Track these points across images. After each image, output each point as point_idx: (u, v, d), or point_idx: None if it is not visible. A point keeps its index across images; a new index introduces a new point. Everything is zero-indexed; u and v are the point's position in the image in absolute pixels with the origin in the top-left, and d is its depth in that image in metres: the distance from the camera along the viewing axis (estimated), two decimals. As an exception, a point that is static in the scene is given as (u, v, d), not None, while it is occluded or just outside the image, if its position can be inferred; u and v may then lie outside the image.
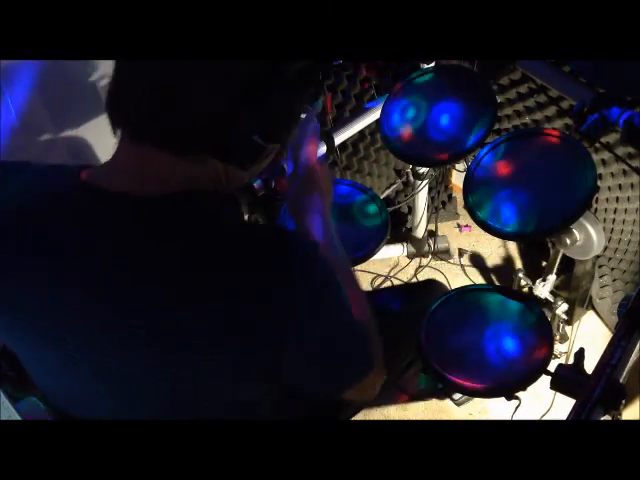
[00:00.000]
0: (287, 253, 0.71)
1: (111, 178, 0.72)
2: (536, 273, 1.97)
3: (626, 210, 1.80)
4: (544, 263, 2.17)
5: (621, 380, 0.91)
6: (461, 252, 2.34)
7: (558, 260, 1.76)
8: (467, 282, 2.23)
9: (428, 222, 2.18)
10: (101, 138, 1.54)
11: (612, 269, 1.97)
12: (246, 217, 1.31)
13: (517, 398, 1.13)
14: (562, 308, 1.79)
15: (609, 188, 1.81)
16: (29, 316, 0.73)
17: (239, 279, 0.67)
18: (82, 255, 0.69)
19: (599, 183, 1.77)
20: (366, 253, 1.33)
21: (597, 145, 1.57)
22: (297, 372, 0.74)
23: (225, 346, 0.67)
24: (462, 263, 2.30)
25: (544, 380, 1.09)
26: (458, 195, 2.45)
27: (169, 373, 0.70)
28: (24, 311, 0.73)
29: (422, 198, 2.08)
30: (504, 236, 1.24)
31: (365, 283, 2.32)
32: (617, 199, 1.81)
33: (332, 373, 0.78)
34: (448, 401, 1.89)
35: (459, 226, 2.43)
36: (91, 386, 0.76)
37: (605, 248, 1.90)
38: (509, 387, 1.13)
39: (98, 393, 0.77)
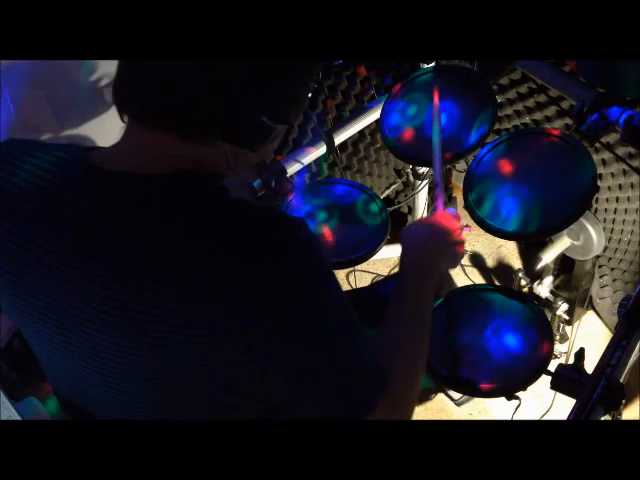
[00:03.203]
0: (291, 236, 0.70)
1: (116, 159, 0.72)
2: (536, 273, 1.97)
3: (626, 210, 1.80)
4: (544, 263, 2.17)
5: (621, 380, 0.91)
6: (461, 252, 2.34)
7: (558, 260, 1.76)
8: (467, 282, 2.23)
9: (428, 222, 2.17)
10: (101, 137, 1.54)
11: (612, 269, 1.97)
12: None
13: (517, 398, 1.13)
14: (562, 308, 1.79)
15: (609, 188, 1.81)
16: (36, 293, 0.74)
17: (243, 262, 0.66)
18: (86, 234, 0.69)
19: (599, 183, 1.77)
20: (366, 253, 1.33)
21: (597, 145, 1.57)
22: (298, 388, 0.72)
23: (224, 335, 0.67)
24: (462, 263, 2.30)
25: (544, 380, 1.09)
26: (458, 195, 2.45)
27: (163, 363, 0.70)
28: (30, 288, 0.74)
29: (422, 198, 2.08)
30: (504, 236, 1.24)
31: (365, 283, 2.32)
32: (617, 199, 1.81)
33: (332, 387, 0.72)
34: (448, 401, 1.89)
35: (459, 226, 2.43)
36: (88, 371, 0.76)
37: (605, 248, 1.90)
38: (509, 387, 1.13)
39: (96, 379, 0.77)
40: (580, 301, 1.85)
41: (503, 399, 1.13)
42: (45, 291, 0.73)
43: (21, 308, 0.77)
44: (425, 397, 1.91)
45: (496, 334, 1.21)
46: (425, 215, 2.14)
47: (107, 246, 0.69)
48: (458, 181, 2.41)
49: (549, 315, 1.79)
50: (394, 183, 2.33)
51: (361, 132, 2.01)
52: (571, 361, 1.03)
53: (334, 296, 0.73)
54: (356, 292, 2.14)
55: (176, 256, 0.66)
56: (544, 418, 1.78)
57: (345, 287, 2.33)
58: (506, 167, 1.26)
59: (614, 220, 1.86)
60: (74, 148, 0.77)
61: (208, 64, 0.66)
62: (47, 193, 0.72)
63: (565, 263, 1.80)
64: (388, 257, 2.34)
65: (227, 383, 0.73)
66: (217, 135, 0.70)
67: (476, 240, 2.38)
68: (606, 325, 2.04)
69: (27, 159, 0.75)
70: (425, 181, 1.93)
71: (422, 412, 1.89)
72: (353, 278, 2.25)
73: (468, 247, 2.35)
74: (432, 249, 0.97)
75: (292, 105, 0.74)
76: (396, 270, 2.34)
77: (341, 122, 1.66)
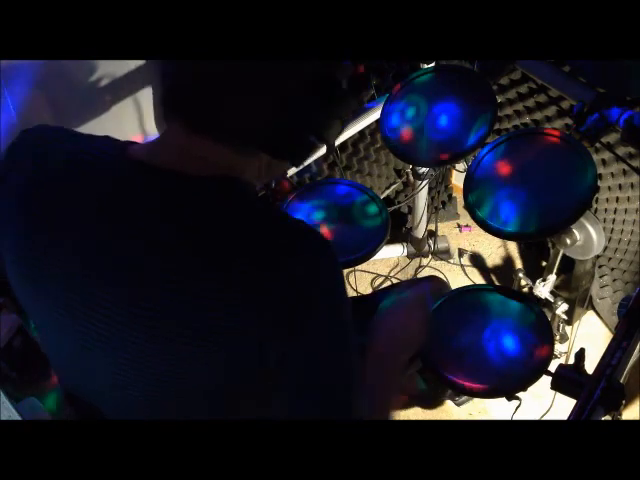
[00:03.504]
0: (313, 252, 0.70)
1: (154, 155, 0.72)
2: (536, 273, 1.97)
3: (626, 210, 1.80)
4: (544, 263, 2.17)
5: (621, 380, 0.91)
6: (461, 252, 2.34)
7: (558, 260, 1.76)
8: (467, 282, 2.23)
9: (428, 222, 2.18)
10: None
11: (612, 269, 1.97)
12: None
13: (517, 398, 1.13)
14: (562, 308, 1.79)
15: (609, 188, 1.81)
16: (52, 280, 0.73)
17: (259, 272, 0.66)
18: (116, 227, 0.70)
19: (599, 183, 1.77)
20: (366, 253, 1.33)
21: (597, 145, 1.57)
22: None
23: (236, 336, 0.67)
24: (462, 263, 2.31)
25: (544, 380, 1.09)
26: (458, 195, 2.46)
27: (169, 365, 0.70)
28: (48, 276, 0.73)
29: (422, 198, 2.08)
30: (504, 236, 1.24)
31: (365, 283, 2.32)
32: (617, 199, 1.81)
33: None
34: (448, 401, 1.89)
35: (459, 226, 2.43)
36: (99, 363, 0.76)
37: (605, 248, 1.90)
38: (509, 387, 1.13)
39: (106, 373, 0.76)
40: (580, 301, 1.85)
41: (503, 399, 1.13)
42: (62, 279, 0.72)
43: (35, 294, 0.77)
44: (425, 399, 1.91)
45: (496, 334, 1.21)
46: (425, 215, 2.14)
47: (129, 239, 0.69)
48: (458, 181, 2.41)
49: (549, 315, 1.79)
50: (394, 183, 2.33)
51: (361, 132, 2.01)
52: (571, 361, 1.03)
53: (345, 311, 0.73)
54: (355, 300, 2.14)
55: (195, 258, 0.67)
56: (544, 418, 1.78)
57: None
58: (506, 167, 1.26)
59: (614, 220, 1.86)
60: (111, 140, 0.78)
61: (264, 76, 0.66)
62: (83, 179, 0.72)
63: (565, 263, 1.80)
64: (388, 257, 2.34)
65: (230, 384, 0.73)
66: (262, 148, 0.71)
67: (476, 240, 2.38)
68: (606, 325, 2.04)
69: (63, 145, 0.76)
70: (425, 181, 1.93)
71: (422, 412, 1.89)
72: (353, 278, 2.25)
73: (468, 247, 2.35)
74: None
75: (337, 125, 0.76)
76: (396, 270, 2.34)
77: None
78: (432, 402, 1.90)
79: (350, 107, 0.77)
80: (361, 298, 1.52)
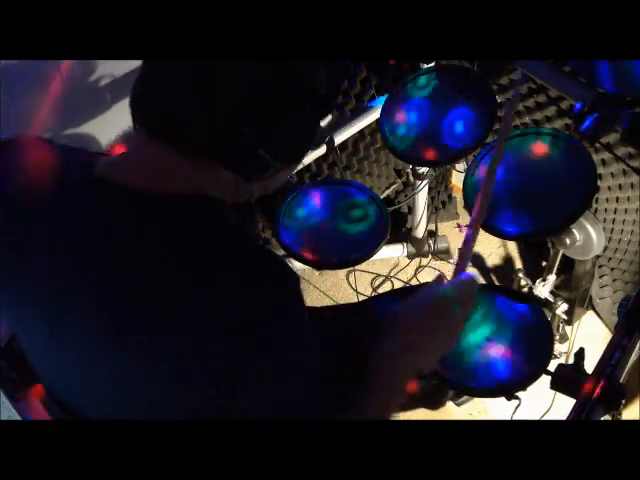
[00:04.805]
0: (275, 274, 0.69)
1: (121, 171, 0.73)
2: (536, 273, 1.97)
3: (626, 210, 1.80)
4: (544, 263, 2.17)
5: (621, 380, 0.91)
6: (461, 252, 2.34)
7: (558, 260, 1.76)
8: (467, 282, 2.22)
9: (428, 222, 2.18)
10: (101, 137, 1.54)
11: (612, 269, 1.97)
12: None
13: (517, 398, 1.13)
14: (562, 308, 1.79)
15: (609, 188, 1.81)
16: (32, 300, 0.74)
17: (228, 291, 0.65)
18: (88, 248, 0.70)
19: (599, 183, 1.77)
20: (366, 253, 1.33)
21: (597, 145, 1.57)
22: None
23: (207, 358, 0.65)
24: (462, 263, 2.30)
25: (544, 380, 1.09)
26: (458, 195, 2.45)
27: (150, 382, 0.69)
28: (28, 293, 0.74)
29: (422, 198, 2.08)
30: (504, 236, 1.24)
31: (365, 283, 2.32)
32: (617, 199, 1.81)
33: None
34: (448, 401, 1.89)
35: (459, 226, 2.43)
36: (82, 378, 0.76)
37: (605, 248, 1.90)
38: (509, 387, 1.12)
39: (89, 385, 0.77)
40: (580, 301, 1.85)
41: (503, 399, 1.13)
42: (39, 296, 0.73)
43: (16, 306, 0.78)
44: (426, 399, 1.91)
45: (496, 334, 1.21)
46: (425, 215, 2.14)
47: (99, 261, 0.69)
48: (458, 181, 2.41)
49: (549, 315, 1.79)
50: (394, 183, 2.33)
51: (361, 132, 2.01)
52: (571, 361, 1.03)
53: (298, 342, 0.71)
54: (352, 306, 2.14)
55: (170, 280, 0.66)
56: (544, 418, 1.78)
57: (345, 287, 2.33)
58: (506, 167, 1.26)
59: (614, 220, 1.86)
60: (83, 153, 0.78)
61: (211, 79, 0.66)
62: (50, 199, 0.73)
63: (565, 263, 1.80)
64: (388, 257, 2.34)
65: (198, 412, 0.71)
66: (216, 161, 0.70)
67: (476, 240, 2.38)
68: (606, 325, 2.04)
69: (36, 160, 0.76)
70: (425, 181, 1.93)
71: (422, 412, 1.89)
72: (353, 278, 2.25)
73: (468, 247, 2.35)
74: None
75: (295, 146, 0.72)
76: (396, 270, 2.34)
77: (341, 122, 1.66)
78: (432, 402, 1.90)
79: (309, 128, 0.72)
80: (358, 307, 1.48)
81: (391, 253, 2.32)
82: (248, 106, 0.66)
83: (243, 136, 0.67)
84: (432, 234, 2.24)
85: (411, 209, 2.22)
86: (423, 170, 1.88)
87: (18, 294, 0.76)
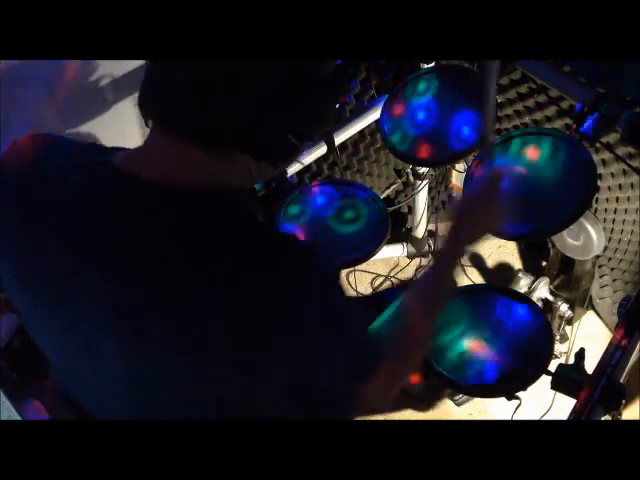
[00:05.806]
0: (298, 261, 0.70)
1: (140, 164, 0.72)
2: (536, 273, 1.97)
3: (626, 210, 1.80)
4: (544, 263, 2.17)
5: (621, 380, 0.91)
6: (461, 252, 2.33)
7: (558, 260, 1.76)
8: (467, 282, 2.23)
9: (428, 222, 2.18)
10: (101, 137, 1.54)
11: (612, 269, 1.97)
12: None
13: (517, 398, 1.13)
14: (562, 308, 1.79)
15: (609, 188, 1.81)
16: (46, 294, 0.74)
17: (248, 282, 0.66)
18: (104, 241, 0.70)
19: (599, 183, 1.77)
20: (366, 253, 1.33)
21: (597, 145, 1.57)
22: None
23: (227, 350, 0.67)
24: (462, 263, 2.30)
25: (544, 380, 1.09)
26: (458, 195, 2.45)
27: (166, 373, 0.70)
28: (42, 288, 0.74)
29: (422, 198, 2.08)
30: (504, 236, 1.24)
31: (365, 283, 2.32)
32: (617, 199, 1.81)
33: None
34: (448, 401, 1.89)
35: (459, 226, 2.43)
36: (96, 373, 0.76)
37: (605, 248, 1.90)
38: (509, 387, 1.13)
39: (105, 383, 0.77)
40: (580, 301, 1.85)
41: (503, 399, 1.13)
42: (52, 291, 0.73)
43: (29, 302, 0.77)
44: (426, 398, 1.91)
45: (496, 334, 1.21)
46: (425, 215, 2.14)
47: (114, 256, 0.69)
48: (458, 181, 2.41)
49: (549, 315, 1.79)
50: (394, 183, 2.33)
51: (361, 132, 2.01)
52: (571, 361, 1.03)
53: (340, 318, 0.73)
54: (358, 299, 2.15)
55: (187, 273, 0.66)
56: (544, 418, 1.78)
57: (345, 287, 2.33)
58: (506, 167, 1.26)
59: (614, 220, 1.86)
60: (99, 148, 0.78)
61: (236, 76, 0.66)
62: (71, 195, 0.73)
63: (565, 263, 1.80)
64: (388, 257, 2.34)
65: (215, 399, 0.72)
66: (241, 150, 0.71)
67: (476, 240, 2.38)
68: (606, 325, 2.04)
69: (57, 158, 0.76)
70: (425, 181, 1.93)
71: (422, 412, 1.89)
72: (353, 278, 2.25)
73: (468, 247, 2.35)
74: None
75: (318, 124, 0.74)
76: (396, 270, 2.34)
77: (341, 122, 1.66)
78: (432, 402, 1.90)
79: (329, 105, 0.75)
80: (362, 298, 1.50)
81: (391, 253, 2.32)
82: (272, 95, 0.67)
83: (272, 127, 0.69)
84: (432, 234, 2.24)
85: (411, 209, 2.22)
86: (423, 170, 1.88)
87: (32, 288, 0.75)
